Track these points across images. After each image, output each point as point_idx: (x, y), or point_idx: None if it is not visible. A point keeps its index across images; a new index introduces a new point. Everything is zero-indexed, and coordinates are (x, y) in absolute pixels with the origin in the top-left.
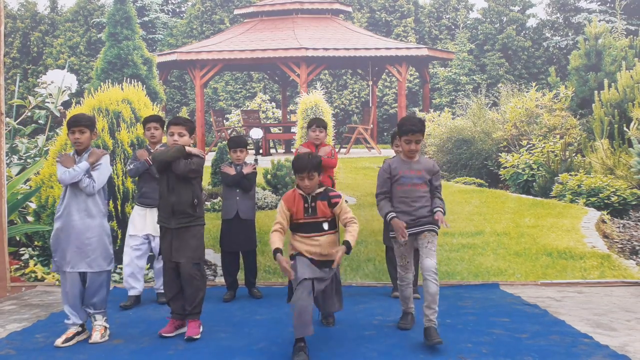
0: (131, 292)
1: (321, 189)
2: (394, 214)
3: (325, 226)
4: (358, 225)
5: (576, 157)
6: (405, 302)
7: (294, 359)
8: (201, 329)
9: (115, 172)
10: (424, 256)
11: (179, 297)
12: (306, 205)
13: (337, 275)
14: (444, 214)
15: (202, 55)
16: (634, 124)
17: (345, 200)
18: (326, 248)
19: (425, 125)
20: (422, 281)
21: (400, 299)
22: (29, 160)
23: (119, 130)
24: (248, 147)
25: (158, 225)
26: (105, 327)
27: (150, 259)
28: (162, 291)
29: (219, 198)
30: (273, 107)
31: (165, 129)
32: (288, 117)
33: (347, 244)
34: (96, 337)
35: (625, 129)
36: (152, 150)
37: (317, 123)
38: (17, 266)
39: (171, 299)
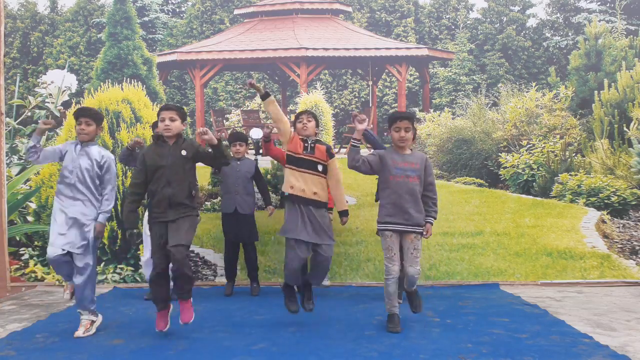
0: None
1: (321, 140)
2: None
3: (319, 167)
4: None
5: (576, 157)
6: (389, 299)
7: (287, 305)
8: (194, 310)
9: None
10: (407, 264)
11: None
12: (306, 145)
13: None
14: (435, 218)
15: (202, 55)
16: (634, 124)
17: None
18: (317, 187)
19: (414, 116)
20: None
21: (384, 296)
22: (29, 160)
23: (119, 130)
24: (248, 143)
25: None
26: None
27: None
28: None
29: (219, 198)
30: None
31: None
32: (288, 117)
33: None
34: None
35: (625, 129)
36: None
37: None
38: (17, 266)
39: (156, 298)
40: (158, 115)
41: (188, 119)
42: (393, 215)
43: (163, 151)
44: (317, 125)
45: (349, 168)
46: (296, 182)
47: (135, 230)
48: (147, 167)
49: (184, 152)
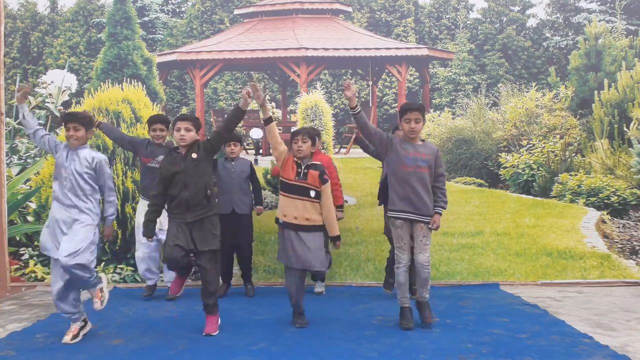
0: (149, 282)
1: (317, 163)
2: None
3: (312, 193)
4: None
5: (576, 157)
6: (401, 290)
7: (295, 321)
8: (219, 322)
9: (115, 172)
10: (417, 251)
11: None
12: (299, 170)
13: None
14: (444, 208)
15: (202, 55)
16: (634, 124)
17: (346, 201)
18: (310, 213)
19: (424, 108)
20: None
21: (396, 288)
22: (29, 160)
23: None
24: (243, 144)
25: (165, 219)
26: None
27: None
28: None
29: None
30: (273, 107)
31: (171, 126)
32: (288, 117)
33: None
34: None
35: (625, 129)
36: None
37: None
38: (17, 266)
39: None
40: (174, 124)
41: None
42: (405, 204)
43: (176, 158)
44: (314, 144)
45: (361, 134)
46: (288, 209)
47: (150, 240)
48: (164, 177)
49: (194, 155)
